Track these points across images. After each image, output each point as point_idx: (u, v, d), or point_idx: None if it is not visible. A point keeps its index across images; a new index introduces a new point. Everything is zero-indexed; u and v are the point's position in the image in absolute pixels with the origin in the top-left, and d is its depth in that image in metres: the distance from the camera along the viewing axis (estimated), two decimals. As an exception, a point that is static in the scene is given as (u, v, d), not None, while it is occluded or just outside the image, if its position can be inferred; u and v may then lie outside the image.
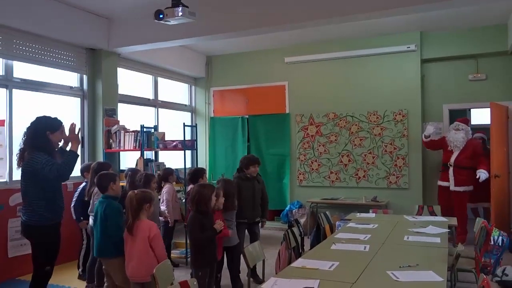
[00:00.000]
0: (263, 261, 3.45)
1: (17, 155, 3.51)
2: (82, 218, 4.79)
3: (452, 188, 6.23)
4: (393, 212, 5.70)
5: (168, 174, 5.34)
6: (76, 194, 4.95)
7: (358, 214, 5.32)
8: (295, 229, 4.05)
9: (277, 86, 8.04)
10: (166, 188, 5.23)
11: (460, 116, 8.51)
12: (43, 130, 3.46)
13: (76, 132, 3.57)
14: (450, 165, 6.27)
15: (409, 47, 7.00)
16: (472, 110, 8.69)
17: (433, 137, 6.59)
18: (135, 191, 3.31)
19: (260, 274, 3.49)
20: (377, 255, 3.25)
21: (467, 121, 6.57)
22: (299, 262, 3.07)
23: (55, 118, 3.60)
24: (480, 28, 6.72)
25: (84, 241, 4.87)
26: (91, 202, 4.36)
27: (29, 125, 3.53)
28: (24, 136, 3.50)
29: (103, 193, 3.63)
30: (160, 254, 3.21)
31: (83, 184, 4.93)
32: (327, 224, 4.92)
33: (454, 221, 4.81)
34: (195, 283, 2.43)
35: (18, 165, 3.51)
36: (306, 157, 7.73)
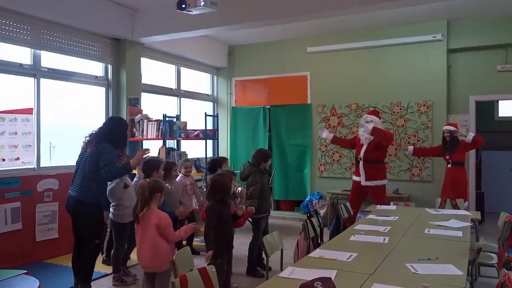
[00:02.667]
0: (281, 250, 3.48)
1: (88, 139, 3.93)
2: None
3: (363, 183, 5.81)
4: (414, 205, 5.64)
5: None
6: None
7: (379, 206, 5.28)
8: (314, 220, 4.06)
9: (299, 76, 7.99)
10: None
11: (487, 108, 8.34)
12: (120, 127, 4.11)
13: (144, 156, 4.11)
14: (360, 159, 5.89)
15: (435, 37, 6.84)
16: (500, 102, 8.45)
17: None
18: (147, 179, 3.34)
19: (278, 263, 3.51)
20: (397, 247, 3.23)
21: (377, 112, 6.29)
22: (317, 252, 3.08)
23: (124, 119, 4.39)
24: (510, 16, 6.51)
25: (108, 228, 4.96)
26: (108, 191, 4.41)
27: (107, 121, 4.22)
28: (100, 129, 3.99)
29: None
30: (173, 240, 3.27)
31: None
32: (347, 215, 4.91)
33: (477, 215, 4.73)
34: (213, 270, 2.48)
35: (84, 149, 3.92)
36: (328, 148, 7.69)
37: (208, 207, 3.52)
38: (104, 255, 5.07)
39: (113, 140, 3.89)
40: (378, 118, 6.01)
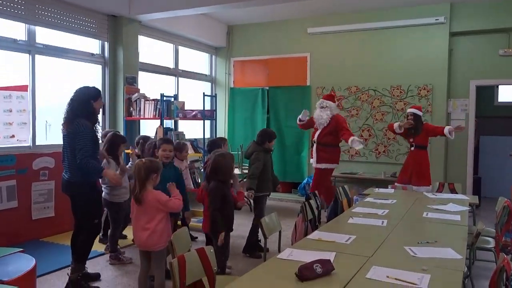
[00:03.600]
0: (279, 232, 3.46)
1: (64, 121, 3.70)
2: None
3: (314, 165, 5.96)
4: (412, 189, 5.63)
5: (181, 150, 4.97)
6: None
7: (377, 189, 5.27)
8: (312, 202, 4.03)
9: (298, 57, 7.90)
10: None
11: (487, 92, 8.28)
12: (88, 100, 3.69)
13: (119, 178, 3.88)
14: (314, 142, 5.98)
15: (437, 19, 6.74)
16: (499, 87, 8.40)
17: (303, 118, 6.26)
18: (143, 160, 3.26)
19: (275, 245, 3.50)
20: (395, 231, 3.21)
21: (332, 97, 6.22)
22: (315, 234, 3.06)
23: (94, 87, 3.81)
24: (515, 0, 6.42)
25: (105, 209, 4.92)
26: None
27: (73, 95, 3.72)
28: (69, 105, 3.69)
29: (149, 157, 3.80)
30: (178, 208, 3.28)
31: None
32: (345, 198, 4.90)
33: (475, 199, 4.72)
34: (211, 250, 2.45)
35: (64, 130, 3.70)
36: (326, 130, 7.62)
37: (212, 189, 3.47)
38: (101, 234, 5.05)
39: (85, 113, 3.63)
40: (334, 103, 6.02)
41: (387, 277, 2.21)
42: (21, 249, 3.52)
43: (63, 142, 3.72)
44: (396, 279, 2.17)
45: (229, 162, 3.54)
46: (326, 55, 7.64)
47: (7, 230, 4.76)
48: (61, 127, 3.73)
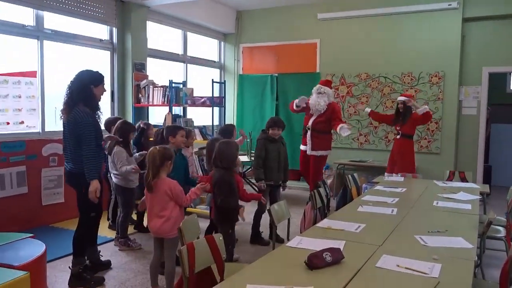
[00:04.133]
0: (288, 220, 3.45)
1: (62, 108, 3.49)
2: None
3: (309, 152, 5.94)
4: (422, 177, 5.58)
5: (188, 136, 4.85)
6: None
7: (386, 177, 5.23)
8: (321, 190, 4.01)
9: (308, 44, 7.80)
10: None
11: (499, 80, 8.14)
12: (87, 84, 3.47)
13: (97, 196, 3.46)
14: (308, 129, 5.94)
15: (450, 5, 6.59)
16: (513, 74, 8.26)
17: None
18: (157, 147, 3.22)
19: (284, 233, 3.50)
20: (405, 219, 3.18)
21: (329, 83, 6.20)
22: (324, 223, 3.04)
23: (97, 72, 3.59)
24: (531, -16, 6.25)
25: (113, 196, 4.96)
26: (110, 159, 4.34)
27: (73, 79, 3.50)
28: (68, 90, 3.47)
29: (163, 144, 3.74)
30: (186, 204, 3.27)
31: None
32: (354, 186, 4.87)
33: (486, 188, 4.67)
34: (220, 238, 2.44)
35: (63, 118, 3.50)
36: (335, 118, 7.57)
37: (219, 178, 3.43)
38: (110, 221, 5.09)
39: (84, 99, 3.41)
40: (331, 89, 6.02)
41: (397, 266, 2.18)
42: (32, 235, 3.55)
43: (64, 130, 3.51)
44: (406, 268, 2.15)
45: (233, 150, 3.50)
46: (336, 41, 7.54)
47: (17, 216, 4.81)
48: (60, 114, 3.52)
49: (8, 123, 4.86)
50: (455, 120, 6.79)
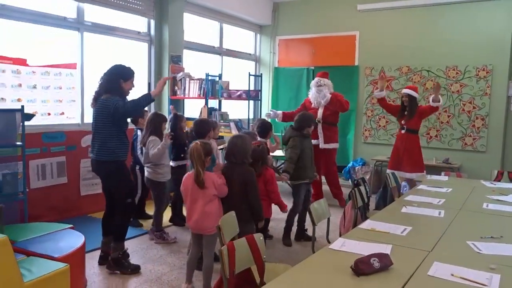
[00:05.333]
0: (328, 219, 3.32)
1: (93, 97, 3.65)
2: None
3: (322, 145, 5.82)
4: (467, 176, 5.32)
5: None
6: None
7: (429, 176, 5.00)
8: (361, 188, 3.85)
9: (347, 36, 7.57)
10: None
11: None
12: (117, 78, 3.61)
13: (163, 82, 3.74)
14: (319, 121, 5.79)
15: (501, -5, 6.23)
16: None
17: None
18: (198, 142, 3.16)
19: (319, 232, 3.37)
20: (454, 223, 3.00)
21: (326, 75, 5.98)
22: (367, 224, 2.90)
23: (129, 68, 3.72)
24: None
25: (139, 189, 4.90)
26: (144, 151, 4.33)
27: (106, 71, 3.66)
28: (100, 81, 3.64)
29: (200, 138, 3.66)
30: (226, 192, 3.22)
31: (138, 132, 4.85)
32: (395, 184, 4.68)
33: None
34: (261, 238, 2.35)
35: (93, 106, 3.65)
36: (374, 113, 7.35)
37: (249, 172, 3.30)
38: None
39: (113, 90, 3.55)
40: (329, 81, 5.93)
41: (452, 275, 2.03)
42: (71, 226, 3.57)
43: (93, 118, 3.64)
44: (462, 278, 2.00)
45: (246, 144, 3.31)
46: (376, 33, 7.28)
47: (58, 205, 4.90)
48: (91, 101, 3.66)
49: (49, 114, 4.94)
50: (503, 116, 6.42)
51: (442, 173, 5.17)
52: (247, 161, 3.28)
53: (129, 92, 3.70)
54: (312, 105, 5.91)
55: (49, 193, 4.82)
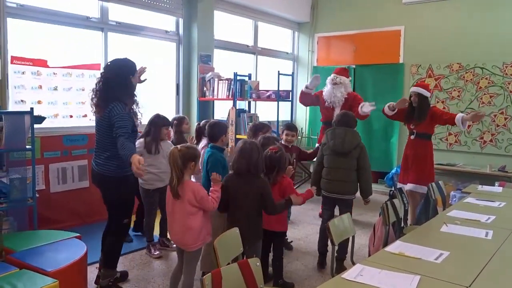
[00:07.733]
0: (353, 237, 2.89)
1: (95, 102, 3.08)
2: None
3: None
4: (526, 188, 4.65)
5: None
6: None
7: (480, 186, 4.39)
8: (396, 201, 3.36)
9: (390, 31, 7.02)
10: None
11: None
12: (127, 74, 3.10)
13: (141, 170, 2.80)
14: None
15: None
16: None
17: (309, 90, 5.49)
18: (178, 147, 2.79)
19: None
20: (504, 247, 2.48)
21: (346, 72, 5.28)
22: (396, 246, 2.45)
23: (131, 60, 3.21)
24: None
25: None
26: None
27: (106, 70, 3.11)
28: (100, 81, 3.07)
29: (213, 142, 3.49)
30: (213, 208, 2.83)
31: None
32: (439, 195, 4.12)
33: None
34: (257, 264, 1.99)
35: (98, 113, 3.11)
36: (420, 114, 6.74)
37: (264, 182, 2.97)
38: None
39: (124, 92, 3.03)
40: (348, 78, 5.34)
41: (494, 326, 1.58)
42: (78, 235, 3.37)
43: (96, 126, 3.14)
44: (507, 330, 1.54)
45: (253, 151, 2.93)
46: (423, 28, 6.68)
47: (79, 210, 4.77)
48: (91, 108, 3.12)
49: (71, 116, 4.84)
50: None
51: (496, 183, 4.55)
52: (254, 172, 2.91)
53: (136, 88, 3.22)
54: (326, 103, 5.36)
55: (71, 198, 4.71)
